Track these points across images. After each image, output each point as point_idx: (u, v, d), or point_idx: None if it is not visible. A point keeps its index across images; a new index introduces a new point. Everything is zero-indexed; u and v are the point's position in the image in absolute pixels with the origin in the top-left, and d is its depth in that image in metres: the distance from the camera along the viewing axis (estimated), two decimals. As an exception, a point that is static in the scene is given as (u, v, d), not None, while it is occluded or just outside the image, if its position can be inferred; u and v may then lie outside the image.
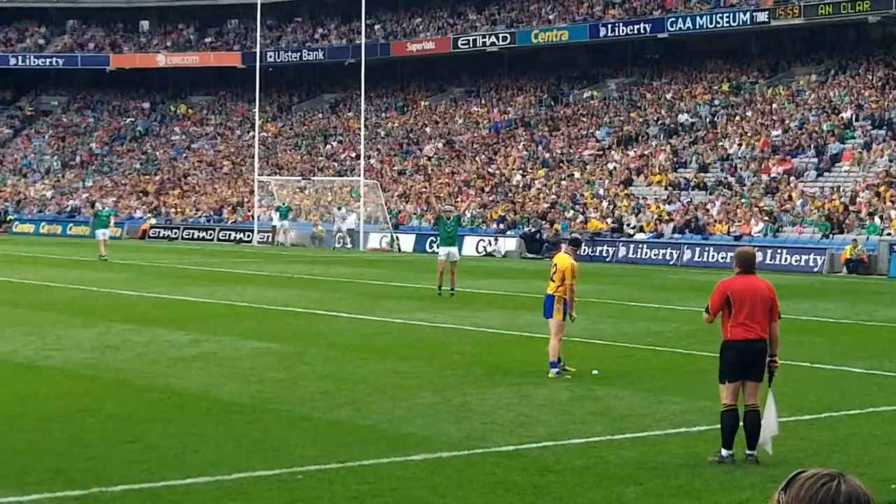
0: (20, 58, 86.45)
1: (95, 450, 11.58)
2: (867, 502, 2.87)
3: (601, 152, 60.78)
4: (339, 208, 60.71)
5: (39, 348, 18.98)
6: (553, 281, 16.85)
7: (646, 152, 58.50)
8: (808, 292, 32.49)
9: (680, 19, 64.90)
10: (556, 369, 16.45)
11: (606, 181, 56.40)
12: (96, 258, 42.70)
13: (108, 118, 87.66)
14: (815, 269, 42.51)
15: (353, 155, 68.08)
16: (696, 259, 45.48)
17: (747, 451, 11.43)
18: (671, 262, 45.97)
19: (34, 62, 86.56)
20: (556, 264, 17.01)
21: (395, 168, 67.01)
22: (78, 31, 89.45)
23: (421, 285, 32.12)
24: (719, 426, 11.56)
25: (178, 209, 68.60)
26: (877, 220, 44.90)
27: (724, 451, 11.41)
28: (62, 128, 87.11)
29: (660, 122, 61.86)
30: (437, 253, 31.07)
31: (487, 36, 72.47)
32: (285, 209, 59.74)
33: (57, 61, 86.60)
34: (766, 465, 11.24)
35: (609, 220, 51.19)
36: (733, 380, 11.51)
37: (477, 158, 65.00)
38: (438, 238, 31.42)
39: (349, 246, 56.17)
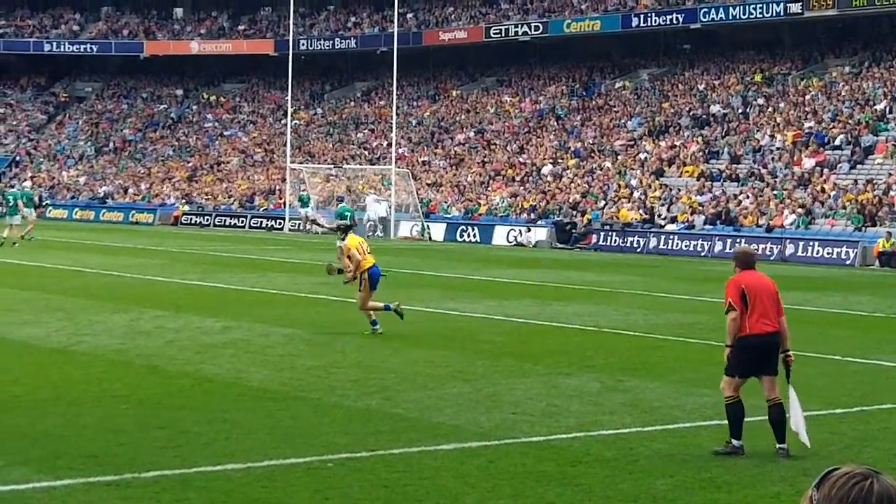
0: (55, 44, 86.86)
1: (127, 435, 11.65)
2: (900, 502, 2.85)
3: (633, 143, 60.61)
4: (376, 200, 60.57)
5: (72, 333, 19.09)
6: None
7: (677, 143, 58.29)
8: (839, 285, 32.35)
9: (713, 10, 64.58)
10: (376, 327, 19.74)
11: (638, 172, 56.24)
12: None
13: (142, 105, 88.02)
14: (848, 262, 42.30)
15: (385, 143, 68.13)
16: (727, 251, 45.24)
17: (778, 445, 11.40)
18: (702, 254, 45.82)
19: (69, 48, 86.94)
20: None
21: (424, 157, 67.02)
22: (112, 17, 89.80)
23: (452, 274, 32.11)
24: (726, 420, 11.57)
25: (211, 196, 68.87)
26: (910, 213, 44.61)
27: (735, 442, 11.41)
28: (96, 114, 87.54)
29: (692, 112, 61.60)
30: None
31: (519, 25, 72.32)
32: (306, 197, 59.88)
33: (91, 48, 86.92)
34: (796, 458, 11.20)
35: (640, 211, 51.06)
36: (745, 375, 11.48)
37: (508, 148, 64.96)
38: None
39: (380, 235, 56.21)
